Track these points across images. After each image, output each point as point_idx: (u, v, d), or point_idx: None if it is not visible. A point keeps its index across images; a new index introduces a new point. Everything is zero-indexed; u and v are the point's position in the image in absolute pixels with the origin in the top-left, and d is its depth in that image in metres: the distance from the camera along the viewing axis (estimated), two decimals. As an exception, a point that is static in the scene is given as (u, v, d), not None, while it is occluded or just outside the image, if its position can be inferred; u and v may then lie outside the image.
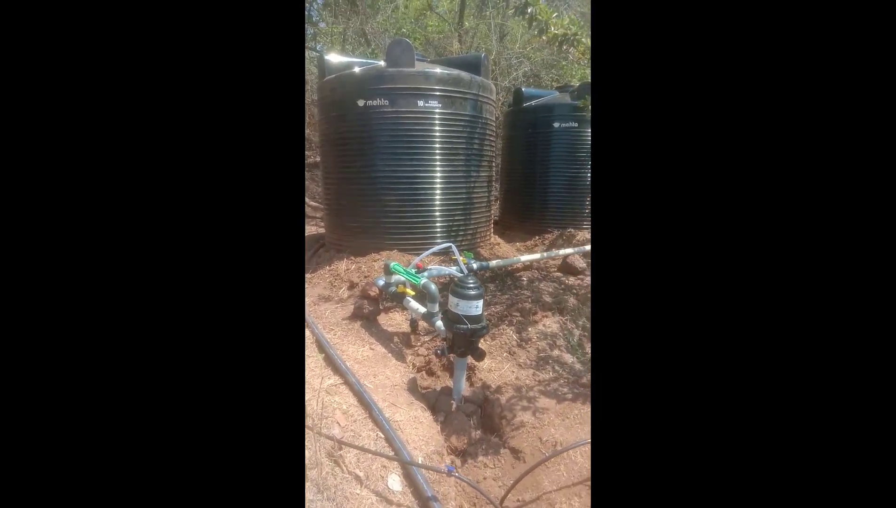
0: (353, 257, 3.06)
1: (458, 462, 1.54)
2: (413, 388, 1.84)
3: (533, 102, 4.26)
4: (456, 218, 3.09)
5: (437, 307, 1.94)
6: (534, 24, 2.77)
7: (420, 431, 1.55)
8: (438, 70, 2.88)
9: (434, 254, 2.49)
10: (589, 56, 2.69)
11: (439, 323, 1.88)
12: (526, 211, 4.39)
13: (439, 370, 2.15)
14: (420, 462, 1.41)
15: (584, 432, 1.57)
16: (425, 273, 2.33)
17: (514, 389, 1.82)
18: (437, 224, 3.05)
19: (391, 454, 1.37)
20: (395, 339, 2.28)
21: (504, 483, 1.46)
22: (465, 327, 1.66)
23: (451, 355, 1.78)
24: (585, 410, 1.67)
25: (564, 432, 1.57)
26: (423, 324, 2.34)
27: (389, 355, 2.07)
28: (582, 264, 3.48)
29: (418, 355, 2.23)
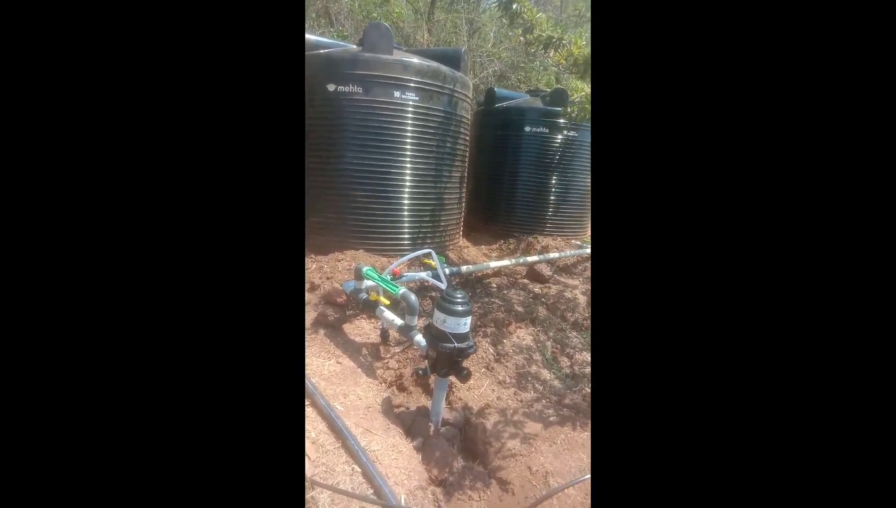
0: (313, 256, 2.80)
1: (440, 495, 1.40)
2: (388, 409, 1.67)
3: (504, 104, 4.18)
4: (426, 219, 2.93)
5: (416, 320, 1.78)
6: (516, 21, 2.67)
7: (400, 462, 1.40)
8: (418, 60, 2.69)
9: (408, 260, 2.32)
10: (568, 61, 2.64)
11: (419, 338, 1.73)
12: (491, 214, 4.31)
13: (411, 384, 1.99)
14: (403, 502, 1.26)
15: (574, 459, 1.49)
16: (402, 279, 2.16)
17: (498, 412, 1.71)
18: (407, 224, 2.88)
19: (372, 495, 1.21)
20: (364, 351, 2.09)
21: (491, 520, 1.34)
22: (451, 345, 1.52)
23: (433, 374, 1.63)
24: (573, 435, 1.59)
25: (553, 460, 1.49)
26: (394, 335, 2.17)
27: (359, 370, 1.88)
28: (548, 272, 3.46)
29: (388, 368, 2.06)
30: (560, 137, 3.99)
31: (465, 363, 1.62)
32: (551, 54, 2.75)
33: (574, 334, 2.64)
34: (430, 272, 2.45)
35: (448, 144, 2.94)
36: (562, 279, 3.43)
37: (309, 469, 1.27)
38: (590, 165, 4.27)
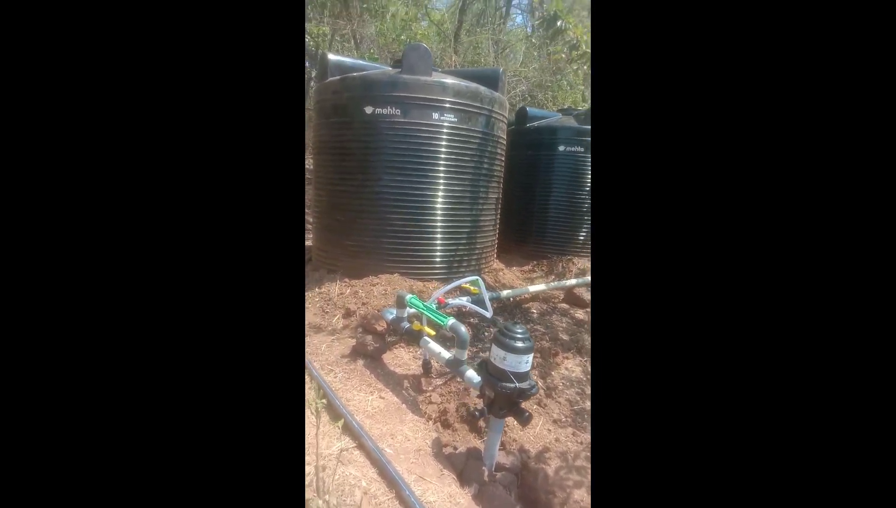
0: (347, 280, 2.73)
1: (503, 554, 1.26)
2: (438, 452, 1.55)
3: (535, 123, 4.11)
4: (462, 241, 2.84)
5: (465, 354, 1.67)
6: (559, 38, 2.60)
7: (460, 515, 1.27)
8: (456, 81, 2.64)
9: (454, 288, 2.22)
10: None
11: (470, 373, 1.61)
12: (523, 235, 4.20)
13: (456, 421, 1.86)
14: (468, 564, 1.12)
15: (650, 516, 1.34)
16: (446, 307, 2.05)
17: (558, 456, 1.57)
18: (443, 247, 2.78)
19: (437, 559, 1.08)
20: (406, 383, 1.98)
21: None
22: (511, 385, 1.39)
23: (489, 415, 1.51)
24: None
25: None
26: (436, 366, 2.06)
27: (404, 405, 1.77)
28: (588, 296, 3.31)
29: (431, 402, 1.93)
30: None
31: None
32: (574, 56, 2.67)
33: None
34: (469, 298, 2.34)
35: (485, 166, 2.86)
36: (602, 304, 3.28)
37: (363, 525, 1.15)
38: (625, 184, 4.15)
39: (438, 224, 2.73)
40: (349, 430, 1.51)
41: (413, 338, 1.90)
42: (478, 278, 2.06)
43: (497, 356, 1.43)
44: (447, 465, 1.50)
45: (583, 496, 1.41)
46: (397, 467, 1.35)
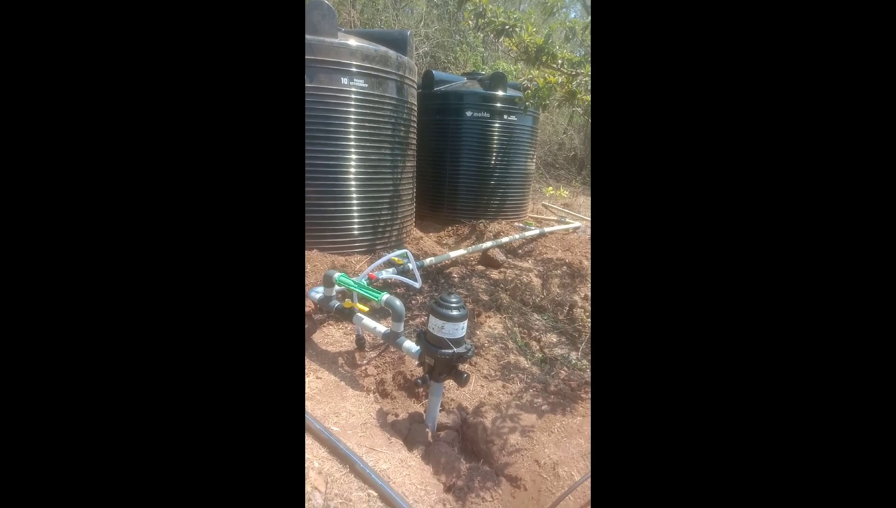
0: (261, 260, 2.56)
1: (452, 501, 1.39)
2: (384, 422, 1.61)
3: (442, 88, 4.10)
4: (384, 212, 2.82)
5: (402, 326, 1.72)
6: (466, 6, 2.61)
7: (412, 477, 1.36)
8: (365, 44, 2.52)
9: (384, 263, 2.21)
10: (519, 48, 2.65)
11: (408, 344, 1.67)
12: (437, 201, 4.27)
13: (394, 390, 1.94)
14: (426, 518, 1.23)
15: (574, 445, 1.57)
16: (376, 282, 2.06)
17: (493, 408, 1.73)
18: (363, 220, 2.74)
19: (400, 520, 1.16)
20: (340, 360, 1.98)
21: (509, 518, 1.37)
22: (450, 351, 1.49)
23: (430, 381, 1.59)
24: (566, 422, 1.67)
25: (556, 449, 1.54)
26: (370, 340, 2.08)
27: (342, 382, 1.78)
28: (501, 257, 3.53)
29: (367, 375, 1.97)
30: (500, 121, 4.03)
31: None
32: (501, 40, 2.74)
33: (536, 316, 2.74)
34: (394, 270, 2.37)
35: (401, 133, 2.82)
36: (514, 263, 3.53)
37: (321, 502, 1.18)
38: (529, 148, 4.39)
39: (356, 196, 2.66)
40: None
41: (345, 316, 1.89)
42: (406, 251, 2.09)
43: (435, 325, 1.50)
44: (393, 433, 1.57)
45: (517, 439, 1.59)
46: (347, 443, 1.39)
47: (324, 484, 1.25)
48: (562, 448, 1.55)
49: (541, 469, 1.46)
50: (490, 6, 2.52)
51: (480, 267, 3.39)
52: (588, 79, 2.47)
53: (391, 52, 2.65)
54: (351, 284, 1.84)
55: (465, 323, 1.51)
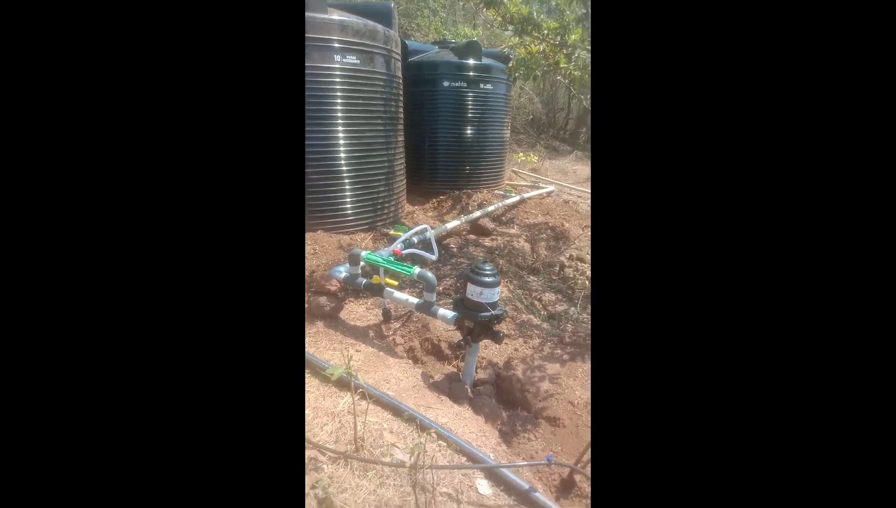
0: (266, 244, 2.56)
1: (504, 444, 1.58)
2: (429, 384, 1.76)
3: (417, 58, 4.07)
4: (380, 190, 2.87)
5: (434, 296, 1.84)
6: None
7: (469, 427, 1.53)
8: (354, 19, 2.49)
9: (406, 238, 2.28)
10: (505, 18, 2.71)
11: (443, 312, 1.81)
12: (418, 174, 4.31)
13: (423, 355, 2.09)
14: (491, 457, 1.41)
15: (596, 386, 1.80)
16: (402, 256, 2.15)
17: (521, 361, 1.92)
18: (362, 199, 2.78)
19: (478, 461, 1.34)
20: (371, 333, 2.09)
21: (552, 450, 1.58)
22: (489, 314, 1.64)
23: (466, 342, 1.75)
24: (587, 367, 1.89)
25: (583, 391, 1.77)
26: (395, 312, 2.20)
27: (381, 353, 1.90)
28: (491, 225, 3.69)
29: (396, 344, 2.10)
30: (476, 90, 4.09)
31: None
32: (484, 11, 2.78)
33: (532, 278, 2.95)
34: (401, 244, 2.46)
35: (392, 109, 2.84)
36: (502, 230, 3.70)
37: (404, 457, 1.33)
38: (504, 117, 4.49)
39: (355, 175, 2.69)
40: (346, 385, 1.60)
41: (374, 291, 1.99)
42: (426, 226, 2.18)
43: (473, 292, 1.64)
44: (438, 392, 1.73)
45: (547, 386, 1.80)
46: (406, 403, 1.53)
47: (400, 441, 1.39)
48: (588, 389, 1.77)
49: (575, 409, 1.68)
50: (476, -23, 2.55)
51: (472, 236, 3.53)
52: (574, 49, 2.58)
53: (379, 27, 2.63)
54: (380, 261, 1.93)
55: (498, 288, 1.66)
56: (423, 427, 1.45)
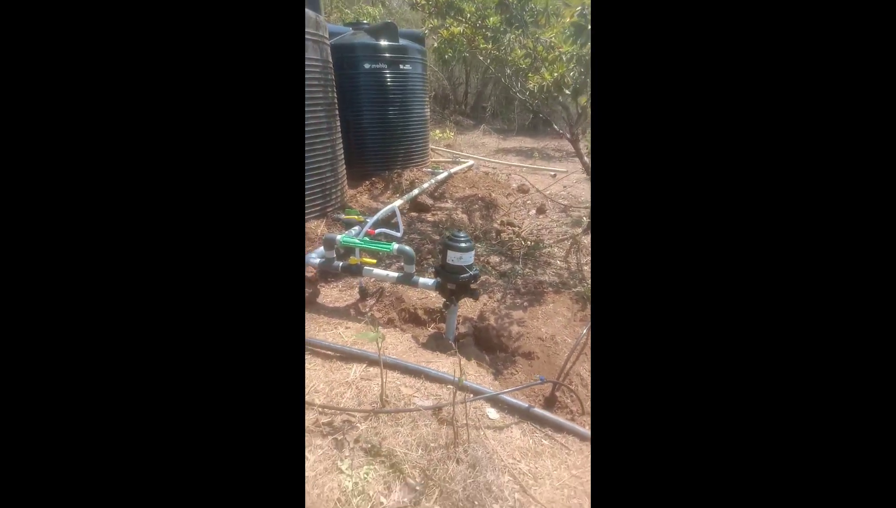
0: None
1: (495, 380, 1.87)
2: (420, 344, 1.97)
3: (334, 40, 4.02)
4: (328, 176, 2.91)
5: (414, 268, 2.04)
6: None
7: (467, 371, 1.78)
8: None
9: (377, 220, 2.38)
10: (429, 2, 2.87)
11: (423, 281, 2.01)
12: (347, 156, 4.32)
13: (402, 323, 2.28)
14: (491, 390, 1.68)
15: (556, 322, 2.16)
16: (378, 236, 2.28)
17: (491, 313, 2.21)
18: (312, 186, 2.81)
19: (485, 394, 1.60)
20: (352, 312, 2.22)
21: (533, 378, 1.91)
22: (468, 275, 1.89)
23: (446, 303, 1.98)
24: (544, 308, 2.24)
25: (546, 328, 2.11)
26: (371, 287, 2.34)
27: (370, 326, 2.05)
28: (429, 201, 3.89)
29: (376, 318, 2.26)
30: (396, 71, 4.18)
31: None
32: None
33: (477, 245, 3.25)
34: (358, 228, 2.58)
35: (329, 95, 2.87)
36: (439, 205, 3.93)
37: (425, 402, 1.54)
38: (423, 95, 4.64)
39: (307, 161, 2.71)
40: (353, 357, 1.75)
41: (353, 271, 2.11)
42: (394, 206, 2.32)
43: (453, 257, 1.87)
44: (431, 350, 1.95)
45: (517, 328, 2.12)
46: (413, 361, 1.73)
47: (416, 392, 1.60)
48: (549, 326, 2.12)
49: (544, 342, 2.02)
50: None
51: (414, 213, 3.72)
52: (496, 33, 2.84)
53: (310, 12, 2.62)
54: (357, 242, 2.05)
55: (473, 251, 1.91)
56: (429, 378, 1.67)
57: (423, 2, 2.81)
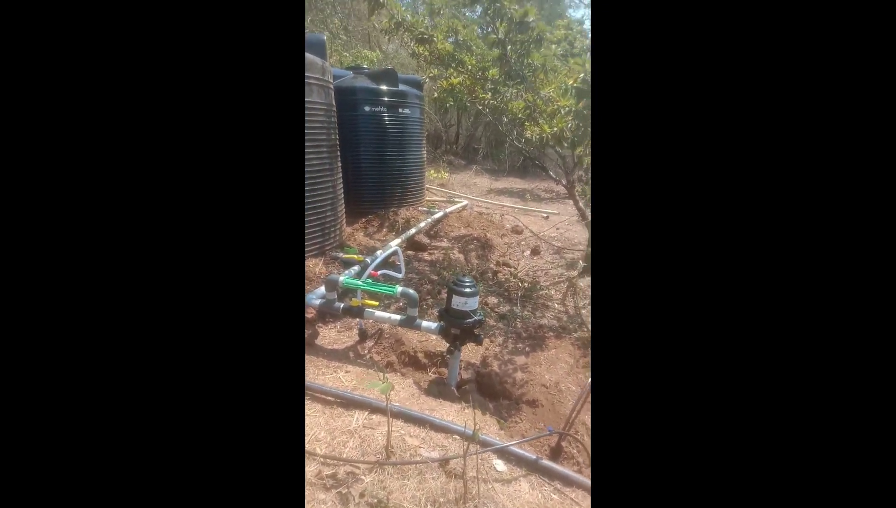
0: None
1: (501, 430, 1.83)
2: (424, 391, 1.93)
3: (335, 83, 4.16)
4: (328, 215, 2.93)
5: (416, 311, 2.03)
6: (380, 11, 2.84)
7: (472, 417, 1.74)
8: (296, 52, 2.55)
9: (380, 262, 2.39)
10: (433, 55, 3.01)
11: (426, 324, 2.00)
12: (345, 195, 4.37)
13: (401, 367, 2.24)
14: (497, 440, 1.64)
15: (560, 369, 2.14)
16: (380, 278, 2.27)
17: (493, 358, 2.19)
18: (312, 225, 2.82)
19: (495, 446, 1.56)
20: (351, 355, 2.18)
21: (538, 427, 1.88)
22: (472, 320, 1.88)
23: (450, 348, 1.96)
24: (548, 354, 2.24)
25: (550, 375, 2.10)
26: (371, 329, 2.31)
27: (370, 370, 2.01)
28: (426, 239, 3.92)
29: (375, 361, 2.22)
30: (395, 114, 4.31)
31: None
32: (412, 45, 3.05)
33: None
34: (357, 268, 2.58)
35: (332, 136, 2.93)
36: (435, 244, 3.96)
37: (433, 454, 1.49)
38: (420, 138, 4.77)
39: (306, 201, 2.72)
40: (354, 404, 1.70)
41: (354, 313, 2.09)
42: (397, 248, 2.33)
43: (458, 302, 1.87)
44: (433, 397, 1.91)
45: (521, 375, 2.10)
46: (416, 410, 1.69)
47: (422, 444, 1.55)
48: (553, 373, 2.11)
49: (548, 390, 2.00)
50: (407, 15, 2.80)
51: (411, 252, 3.73)
52: (496, 85, 2.97)
53: (317, 58, 2.72)
54: (360, 284, 2.04)
55: (477, 296, 1.92)
56: (435, 427, 1.63)
57: (425, 52, 2.95)
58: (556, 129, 2.34)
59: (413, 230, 3.72)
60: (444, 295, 2.89)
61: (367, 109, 4.12)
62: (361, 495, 1.32)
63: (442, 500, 1.31)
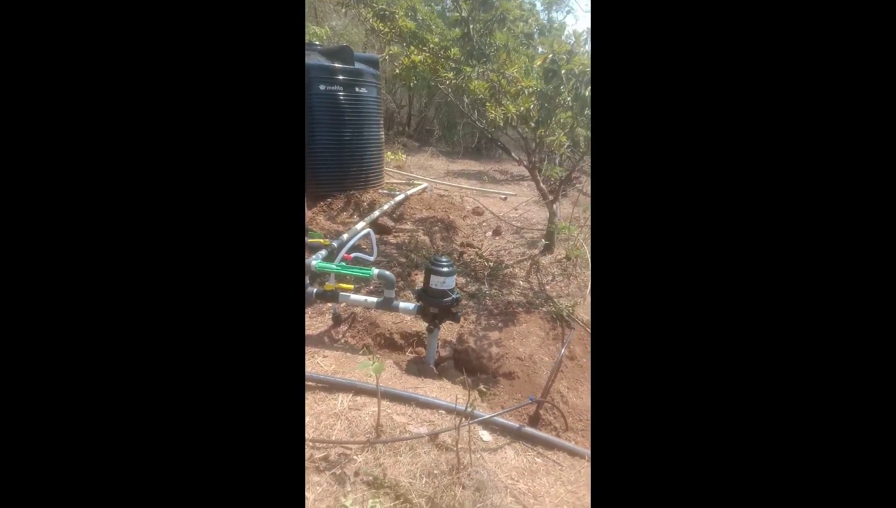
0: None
1: (482, 402, 1.90)
2: (404, 370, 1.95)
3: (287, 60, 3.95)
4: (290, 198, 2.82)
5: (394, 293, 2.03)
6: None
7: (453, 392, 1.80)
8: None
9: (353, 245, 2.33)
10: (392, 31, 2.95)
11: (404, 305, 2.01)
12: (300, 178, 4.21)
13: (377, 349, 2.25)
14: (481, 412, 1.71)
15: (532, 342, 2.24)
16: (354, 262, 2.23)
17: (469, 335, 2.25)
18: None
19: (480, 417, 1.62)
20: (326, 339, 2.15)
21: (518, 398, 1.97)
22: (450, 298, 1.92)
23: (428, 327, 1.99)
24: (519, 328, 2.32)
25: (524, 348, 2.19)
26: (347, 312, 2.28)
27: (347, 354, 2.00)
28: (390, 222, 3.89)
29: (350, 344, 2.21)
30: (352, 93, 4.18)
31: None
32: (372, 20, 2.96)
33: (440, 267, 3.29)
34: (324, 252, 2.52)
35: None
36: (400, 227, 3.94)
37: (421, 429, 1.53)
38: (378, 118, 4.66)
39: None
40: (337, 387, 1.70)
41: (328, 297, 2.06)
42: (370, 230, 2.30)
43: (436, 282, 1.89)
44: (414, 375, 1.94)
45: (496, 349, 2.17)
46: (396, 389, 1.71)
47: (410, 421, 1.58)
48: (526, 345, 2.20)
49: (522, 362, 2.09)
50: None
51: (375, 235, 3.68)
52: (459, 65, 2.96)
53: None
54: (334, 268, 2.01)
55: (454, 275, 1.95)
56: (420, 404, 1.67)
57: (386, 29, 2.87)
58: (522, 108, 2.38)
59: (377, 213, 3.68)
60: (414, 277, 2.91)
61: (321, 87, 3.96)
62: (356, 474, 1.33)
63: (436, 472, 1.36)
